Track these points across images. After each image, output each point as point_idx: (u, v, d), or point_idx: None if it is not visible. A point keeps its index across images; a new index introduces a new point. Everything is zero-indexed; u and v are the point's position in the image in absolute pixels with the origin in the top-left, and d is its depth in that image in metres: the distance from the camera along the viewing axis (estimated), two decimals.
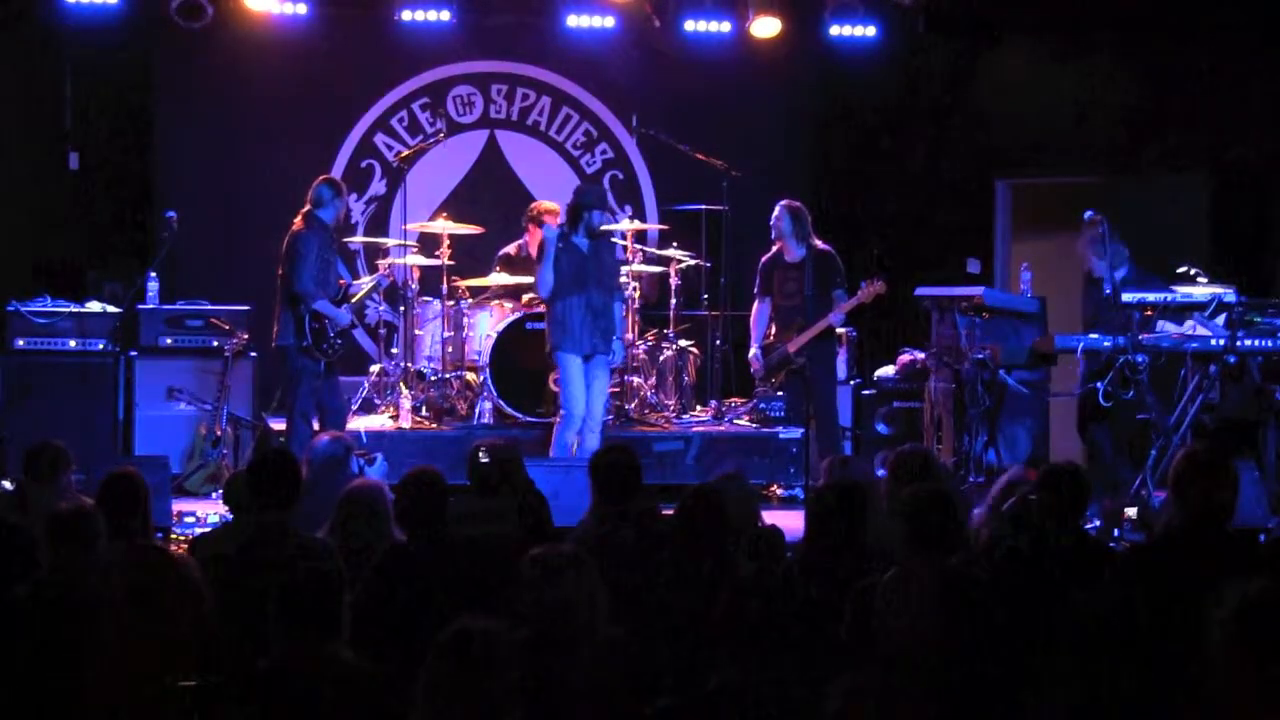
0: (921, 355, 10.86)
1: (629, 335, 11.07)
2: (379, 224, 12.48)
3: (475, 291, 11.09)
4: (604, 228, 9.90)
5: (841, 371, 11.25)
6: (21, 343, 10.74)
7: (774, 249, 10.50)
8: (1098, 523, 8.24)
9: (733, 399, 11.52)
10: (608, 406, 10.92)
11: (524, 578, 4.69)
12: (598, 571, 4.76)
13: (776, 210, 10.41)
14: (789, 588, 4.29)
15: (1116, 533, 8.24)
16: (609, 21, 12.25)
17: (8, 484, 7.46)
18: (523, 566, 4.67)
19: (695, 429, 10.88)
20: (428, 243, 11.37)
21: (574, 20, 12.22)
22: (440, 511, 5.84)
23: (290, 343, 9.72)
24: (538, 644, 4.62)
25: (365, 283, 10.89)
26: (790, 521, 8.25)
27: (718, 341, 11.56)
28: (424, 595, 5.47)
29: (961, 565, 5.27)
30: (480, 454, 7.04)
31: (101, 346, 10.76)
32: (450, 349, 11.00)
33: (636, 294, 11.16)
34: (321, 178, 10.08)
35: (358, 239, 12.27)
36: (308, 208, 9.81)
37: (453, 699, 3.75)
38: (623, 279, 11.08)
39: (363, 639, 5.07)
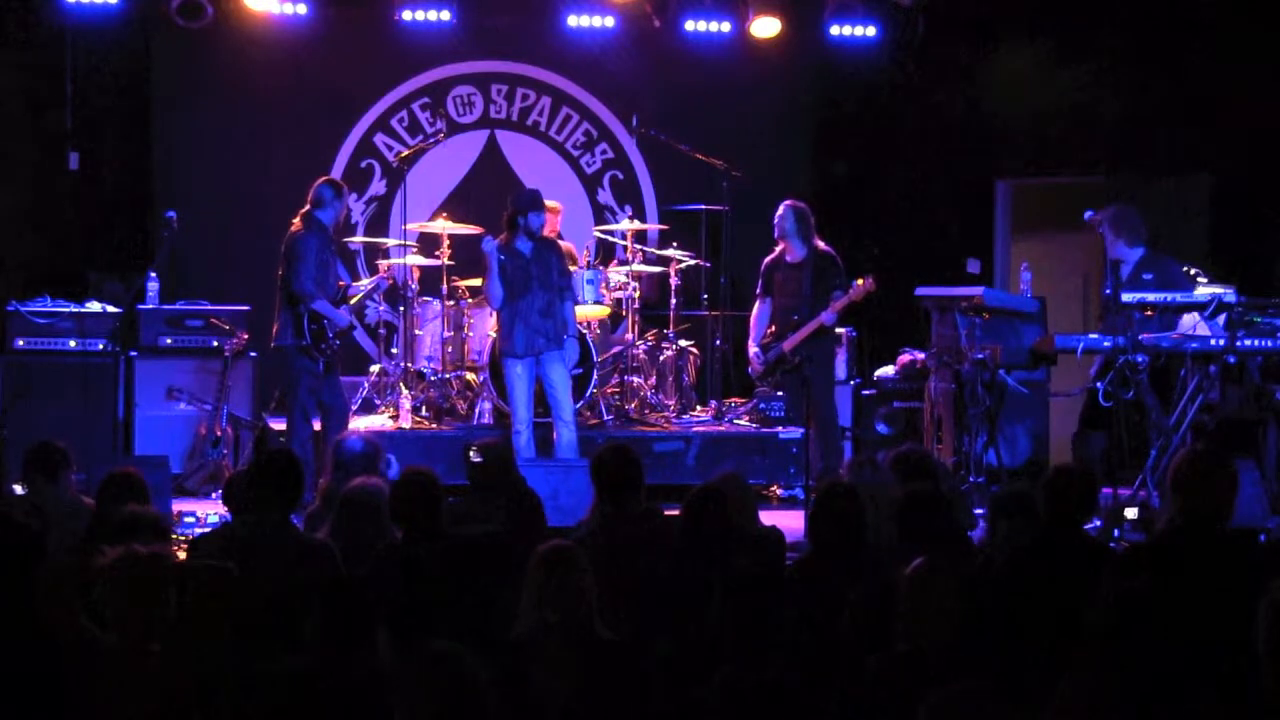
0: (921, 355, 10.86)
1: (629, 335, 11.08)
2: (379, 224, 12.48)
3: (475, 291, 11.08)
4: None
5: (841, 371, 11.26)
6: (21, 343, 10.75)
7: (777, 250, 10.50)
8: (1098, 522, 8.23)
9: (733, 399, 11.52)
10: (611, 405, 10.94)
11: (528, 575, 4.71)
12: (593, 571, 4.78)
13: (781, 209, 10.42)
14: (789, 588, 4.29)
15: (1116, 533, 8.23)
16: (609, 21, 12.26)
17: (19, 488, 7.47)
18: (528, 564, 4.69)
19: (695, 429, 10.88)
20: (428, 243, 11.38)
21: (574, 20, 12.22)
22: (434, 511, 5.85)
23: (289, 343, 9.73)
24: (530, 642, 4.64)
25: (364, 284, 10.90)
26: (790, 521, 8.27)
27: (718, 341, 11.56)
28: (419, 594, 5.47)
29: (962, 564, 5.28)
30: (472, 453, 7.06)
31: (101, 346, 10.76)
32: (450, 349, 11.00)
33: (637, 294, 11.17)
34: (322, 179, 10.09)
35: (358, 239, 12.27)
36: (307, 208, 9.81)
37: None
38: (623, 279, 11.13)
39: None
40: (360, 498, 6.18)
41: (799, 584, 5.37)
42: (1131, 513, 8.45)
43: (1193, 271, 9.23)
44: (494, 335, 10.48)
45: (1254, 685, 3.91)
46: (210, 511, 8.99)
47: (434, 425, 10.65)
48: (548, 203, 10.69)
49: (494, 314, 10.15)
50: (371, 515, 6.09)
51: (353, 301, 10.17)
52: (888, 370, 11.47)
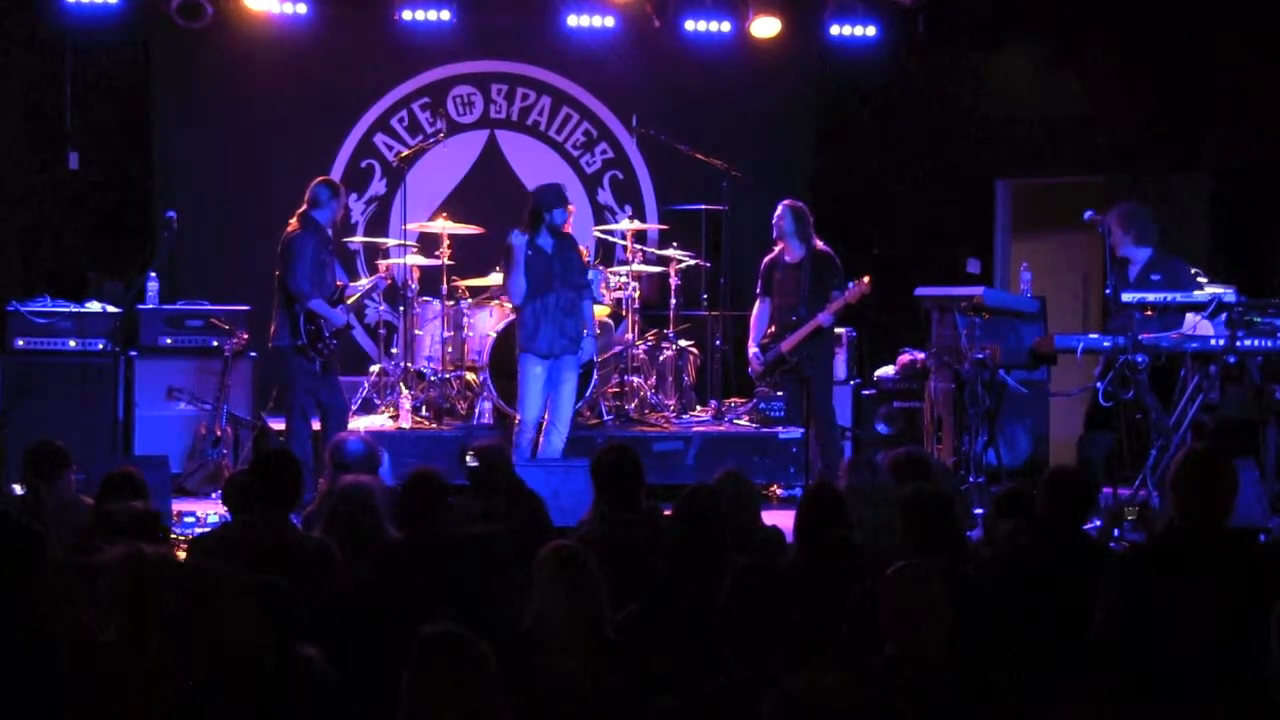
0: (921, 355, 10.86)
1: (629, 335, 11.08)
2: (379, 224, 12.48)
3: (475, 291, 11.09)
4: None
5: (841, 371, 11.27)
6: (21, 343, 10.75)
7: (776, 250, 10.50)
8: (1098, 522, 8.24)
9: (733, 399, 11.52)
10: (611, 405, 10.94)
11: (536, 568, 4.71)
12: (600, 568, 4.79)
13: (779, 209, 10.42)
14: (786, 587, 4.29)
15: (1116, 533, 8.23)
16: (609, 21, 12.26)
17: (18, 488, 7.47)
18: (535, 560, 4.70)
19: (695, 429, 10.88)
20: (428, 243, 11.38)
21: (574, 20, 12.22)
22: (441, 510, 5.85)
23: (286, 343, 9.73)
24: (539, 638, 4.64)
25: (363, 284, 10.91)
26: (790, 522, 8.27)
27: (718, 341, 11.56)
28: (424, 592, 5.47)
29: (962, 565, 5.28)
30: (468, 459, 7.05)
31: (101, 346, 10.76)
32: (450, 349, 11.00)
33: (637, 294, 11.16)
34: (319, 179, 10.08)
35: (358, 239, 12.27)
36: (304, 208, 9.82)
37: (435, 700, 3.76)
38: (623, 279, 11.13)
39: (361, 635, 5.09)
40: (353, 495, 6.18)
41: (792, 584, 5.36)
42: (1131, 513, 8.45)
43: (1192, 271, 9.23)
44: (494, 335, 10.47)
45: (1256, 685, 3.90)
46: (210, 511, 8.99)
47: (434, 425, 10.64)
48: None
49: (512, 309, 10.00)
50: (364, 513, 6.09)
51: (350, 301, 10.17)
52: (888, 370, 11.46)
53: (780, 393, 10.78)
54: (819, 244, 10.37)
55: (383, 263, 11.26)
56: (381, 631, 5.12)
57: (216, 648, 4.30)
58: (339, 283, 10.06)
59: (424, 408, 10.79)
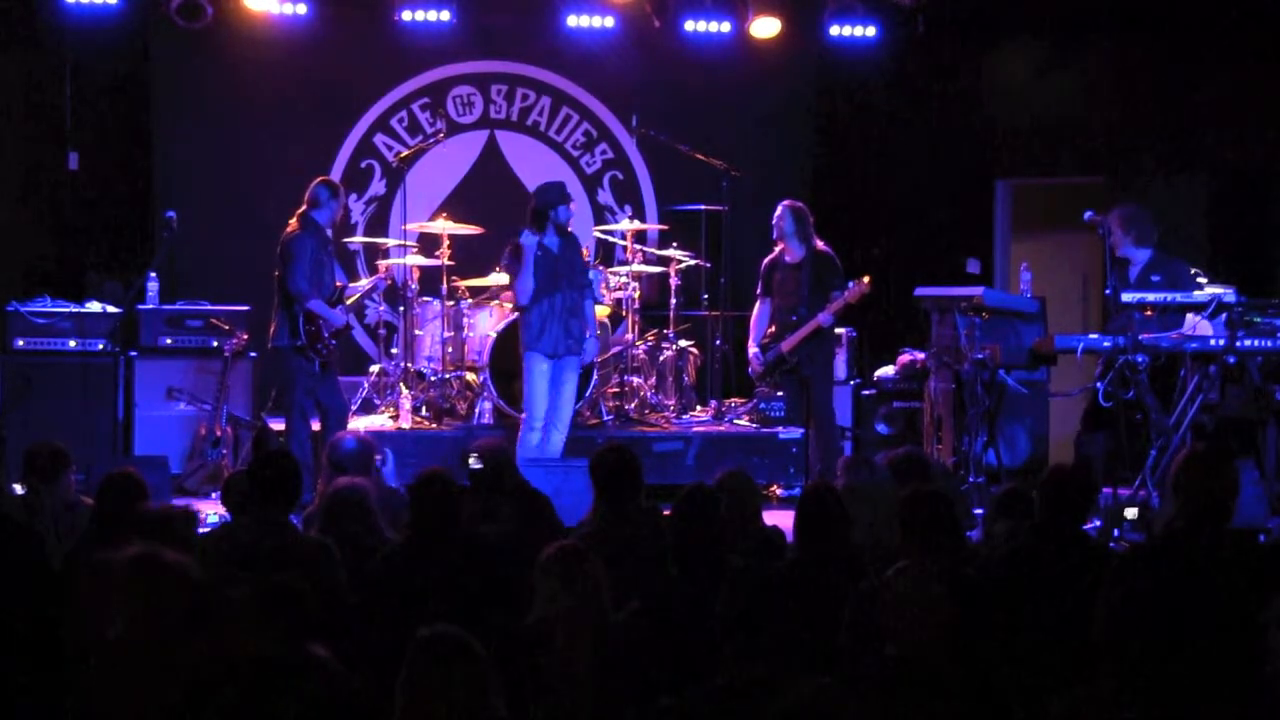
0: (921, 355, 10.87)
1: (629, 335, 11.08)
2: (379, 224, 12.47)
3: (475, 291, 11.09)
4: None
5: (841, 371, 11.27)
6: (21, 343, 10.75)
7: (776, 250, 10.50)
8: (1098, 522, 8.24)
9: (733, 399, 11.52)
10: (607, 409, 10.94)
11: (540, 569, 4.72)
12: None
13: (779, 210, 10.42)
14: (785, 587, 4.29)
15: (1116, 533, 8.23)
16: (609, 21, 12.26)
17: (18, 488, 7.47)
18: (539, 560, 4.71)
19: (695, 429, 10.88)
20: (427, 243, 11.38)
21: (574, 20, 12.22)
22: (454, 510, 5.85)
23: (285, 343, 9.74)
24: (548, 632, 4.65)
25: (362, 284, 10.91)
26: (790, 522, 8.27)
27: (718, 341, 11.56)
28: (434, 591, 5.47)
29: (961, 565, 5.28)
30: (471, 460, 7.04)
31: (101, 346, 10.76)
32: (450, 349, 10.99)
33: (637, 294, 11.16)
34: (319, 179, 10.08)
35: (357, 239, 12.26)
36: (304, 209, 9.83)
37: (430, 700, 3.77)
38: (623, 279, 11.13)
39: (371, 634, 5.09)
40: (347, 496, 6.18)
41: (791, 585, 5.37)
42: (1131, 513, 8.45)
43: (1192, 271, 9.24)
44: (494, 335, 10.47)
45: (1256, 686, 3.90)
46: (210, 511, 8.98)
47: (434, 425, 10.64)
48: None
49: (513, 309, 10.00)
50: (356, 514, 6.08)
51: (350, 301, 10.17)
52: (888, 370, 11.47)
53: (780, 393, 10.79)
54: (819, 244, 10.37)
55: (382, 263, 11.26)
56: (385, 632, 5.13)
57: (223, 648, 4.31)
58: (338, 283, 10.06)
59: (424, 408, 10.79)
